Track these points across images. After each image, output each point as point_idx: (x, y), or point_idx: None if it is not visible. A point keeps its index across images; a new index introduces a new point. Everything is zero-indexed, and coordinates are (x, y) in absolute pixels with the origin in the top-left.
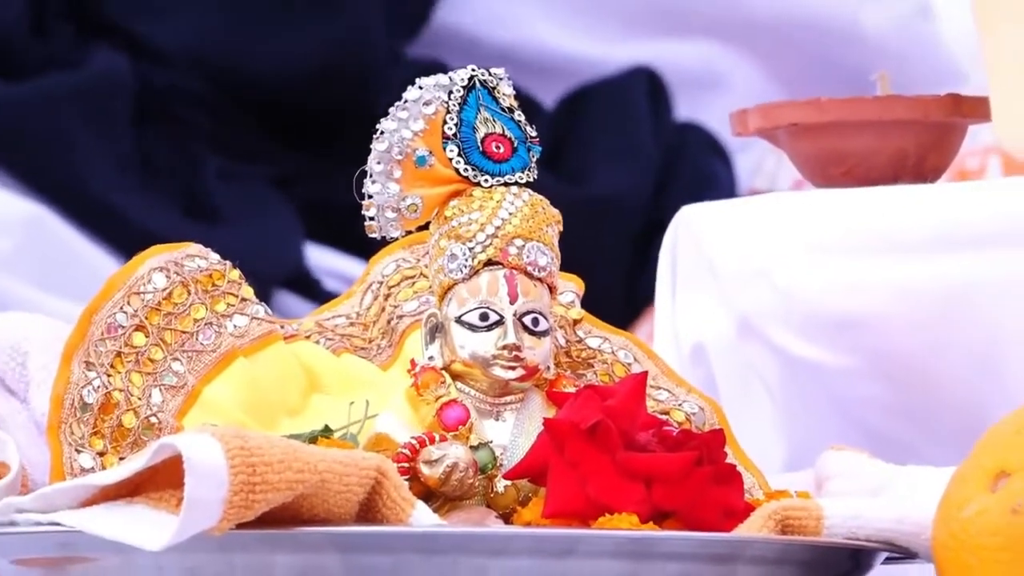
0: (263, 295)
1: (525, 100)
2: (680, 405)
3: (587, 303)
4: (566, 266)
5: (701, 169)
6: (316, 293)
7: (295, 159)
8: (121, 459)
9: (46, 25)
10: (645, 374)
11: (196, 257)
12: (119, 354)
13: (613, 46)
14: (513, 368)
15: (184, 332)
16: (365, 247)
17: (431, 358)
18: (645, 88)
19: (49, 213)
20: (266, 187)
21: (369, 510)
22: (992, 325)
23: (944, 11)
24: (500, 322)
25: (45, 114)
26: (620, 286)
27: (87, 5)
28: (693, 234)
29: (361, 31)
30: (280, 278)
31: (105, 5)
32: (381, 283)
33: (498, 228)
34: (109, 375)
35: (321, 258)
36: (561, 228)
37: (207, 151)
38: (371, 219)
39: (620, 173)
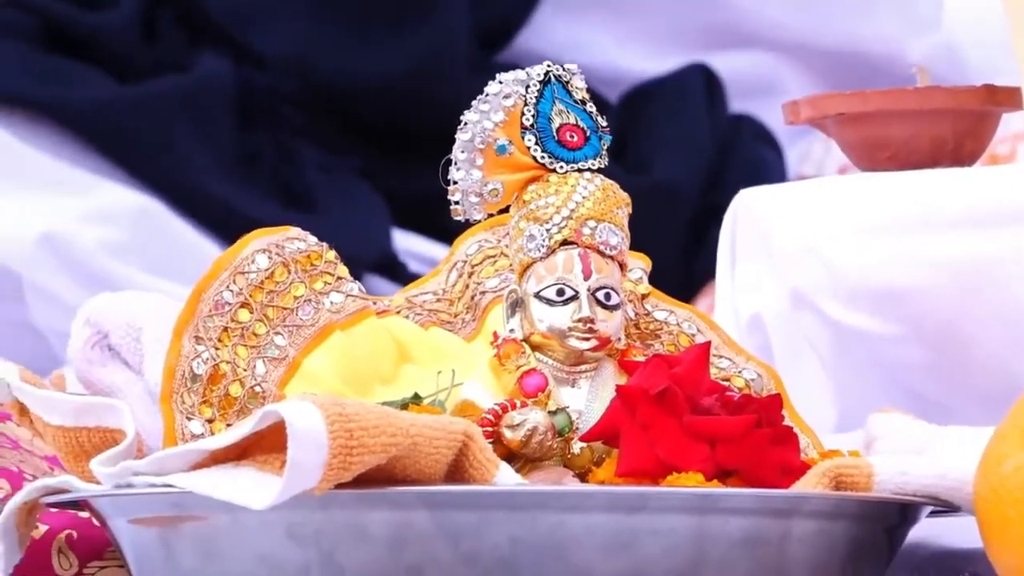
0: (354, 277)
1: (594, 97)
2: (740, 372)
3: (652, 279)
4: (633, 246)
5: (754, 157)
6: (402, 275)
7: (383, 153)
8: (228, 426)
9: (157, 31)
10: (708, 344)
11: (296, 239)
12: (226, 329)
13: (677, 62)
14: (587, 339)
15: (285, 308)
16: (445, 232)
17: (512, 330)
18: (701, 83)
19: (159, 205)
20: (356, 178)
21: (456, 471)
22: (1022, 294)
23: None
24: (575, 297)
25: (154, 114)
26: (679, 265)
27: (196, 13)
28: (750, 215)
29: (446, 45)
30: (370, 261)
31: (213, 14)
32: (465, 262)
33: (572, 211)
34: (217, 348)
35: (406, 242)
36: (631, 210)
37: (302, 146)
38: (456, 203)
39: (678, 162)
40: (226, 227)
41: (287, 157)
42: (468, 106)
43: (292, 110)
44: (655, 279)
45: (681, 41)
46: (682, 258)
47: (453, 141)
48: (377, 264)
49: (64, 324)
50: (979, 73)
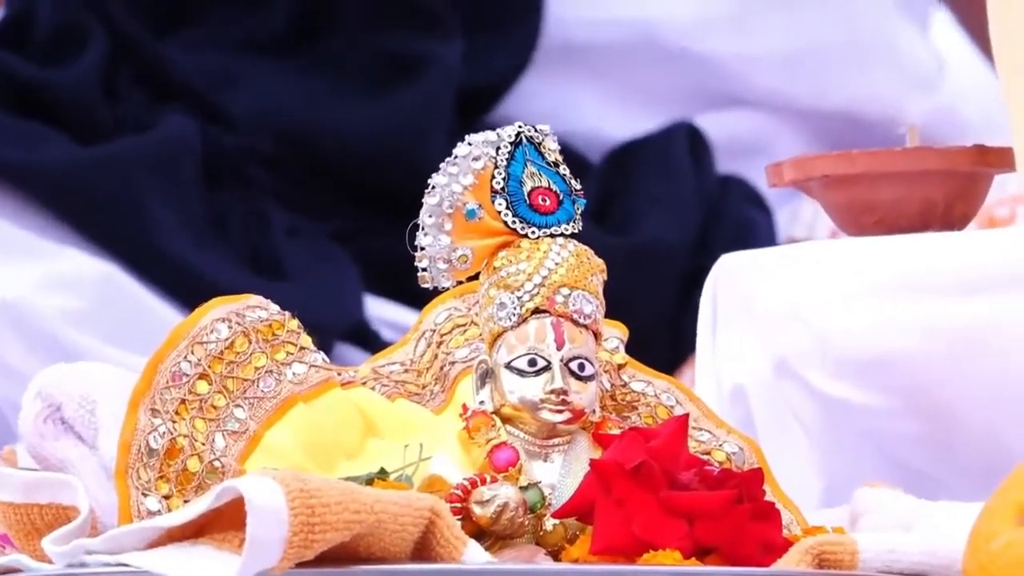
0: (325, 346)
1: (574, 158)
2: (721, 445)
3: (633, 345)
4: (614, 310)
5: (741, 218)
6: (374, 344)
7: (355, 216)
8: (186, 502)
9: (118, 89)
10: (687, 416)
11: (257, 308)
12: (183, 401)
13: (664, 123)
14: (560, 411)
15: (246, 380)
16: (420, 298)
17: (482, 403)
18: (686, 142)
19: (121, 272)
20: (327, 242)
21: (423, 548)
22: (1017, 363)
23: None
24: (548, 367)
25: (116, 175)
26: (665, 329)
27: (159, 72)
28: (732, 280)
29: (428, 111)
30: (341, 330)
31: (177, 72)
32: (434, 331)
33: (545, 278)
34: (174, 421)
35: (379, 309)
36: (605, 277)
37: (272, 208)
38: (423, 270)
39: (664, 222)
40: (191, 294)
41: (256, 220)
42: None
43: (262, 171)
44: (641, 342)
45: (669, 103)
46: (669, 321)
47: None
48: (349, 333)
49: (20, 395)
50: (979, 135)
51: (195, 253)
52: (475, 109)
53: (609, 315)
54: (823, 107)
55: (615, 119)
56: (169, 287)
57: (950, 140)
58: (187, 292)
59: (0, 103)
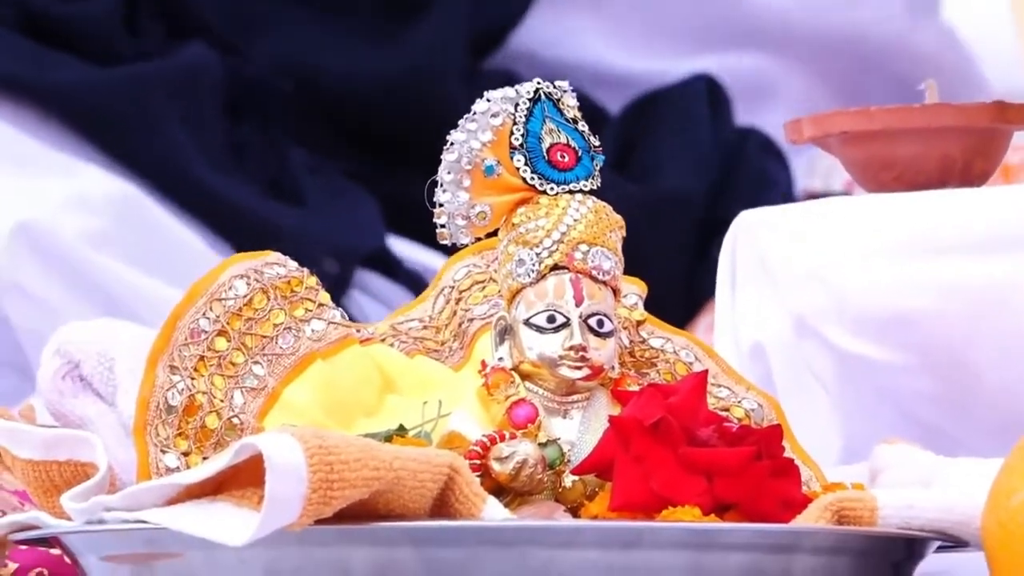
0: (346, 272)
1: (592, 109)
2: (739, 402)
3: (650, 295)
4: (631, 261)
5: (759, 170)
6: (396, 271)
7: (373, 158)
8: (204, 459)
9: (139, 24)
10: (706, 372)
11: (275, 264)
12: (202, 358)
13: (669, 61)
14: (579, 368)
15: (264, 336)
16: (436, 240)
17: (501, 359)
18: (705, 94)
19: (141, 192)
20: (345, 179)
21: (442, 505)
22: None
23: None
24: (566, 324)
25: (134, 95)
26: (681, 280)
27: (181, 9)
28: (751, 238)
29: (440, 50)
30: (363, 254)
31: (196, 10)
32: (452, 287)
33: (564, 234)
34: (193, 378)
35: (398, 247)
36: (624, 233)
37: (291, 146)
38: (442, 226)
39: (682, 173)
40: (212, 215)
41: (275, 152)
42: (461, 113)
43: (281, 110)
44: (658, 294)
45: (672, 34)
46: (685, 273)
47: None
48: (371, 257)
49: (39, 321)
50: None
51: (215, 177)
52: (484, 48)
53: (628, 263)
54: (825, 31)
55: (620, 54)
56: (189, 207)
57: (958, 66)
58: (208, 213)
59: (20, 32)
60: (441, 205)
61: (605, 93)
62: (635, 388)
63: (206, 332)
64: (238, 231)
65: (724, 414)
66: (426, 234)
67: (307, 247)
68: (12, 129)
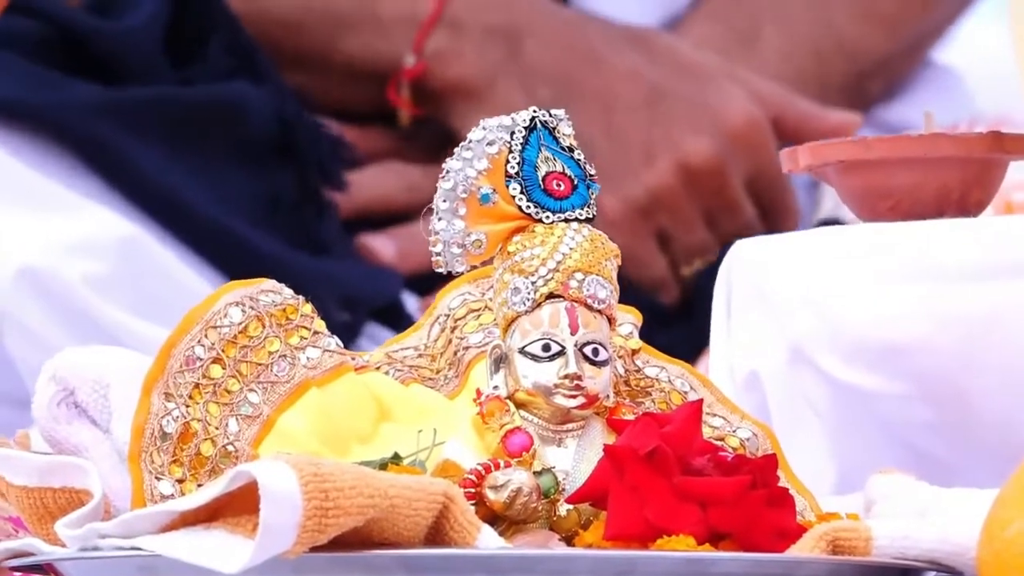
0: (357, 322)
1: None
2: (734, 431)
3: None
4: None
5: None
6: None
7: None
8: (199, 486)
9: (185, 53)
10: (701, 402)
11: (271, 292)
12: (197, 385)
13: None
14: (574, 396)
15: (259, 364)
16: None
17: (496, 387)
18: None
19: (147, 234)
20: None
21: (437, 533)
22: None
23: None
24: (562, 352)
25: (150, 124)
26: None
27: (238, 45)
28: (746, 266)
29: None
30: (375, 306)
31: (251, 49)
32: (448, 316)
33: (559, 263)
34: (188, 406)
35: (413, 305)
36: (620, 262)
37: (325, 197)
38: (438, 254)
39: None
40: (224, 259)
41: (311, 206)
42: None
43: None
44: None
45: None
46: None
47: None
48: (383, 310)
49: (40, 361)
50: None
51: (231, 219)
52: None
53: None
54: None
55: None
56: (200, 251)
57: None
58: (218, 257)
59: (49, 57)
60: (437, 233)
61: None
62: (630, 417)
63: (201, 359)
64: (249, 275)
65: (719, 443)
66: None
67: (320, 294)
68: (21, 164)
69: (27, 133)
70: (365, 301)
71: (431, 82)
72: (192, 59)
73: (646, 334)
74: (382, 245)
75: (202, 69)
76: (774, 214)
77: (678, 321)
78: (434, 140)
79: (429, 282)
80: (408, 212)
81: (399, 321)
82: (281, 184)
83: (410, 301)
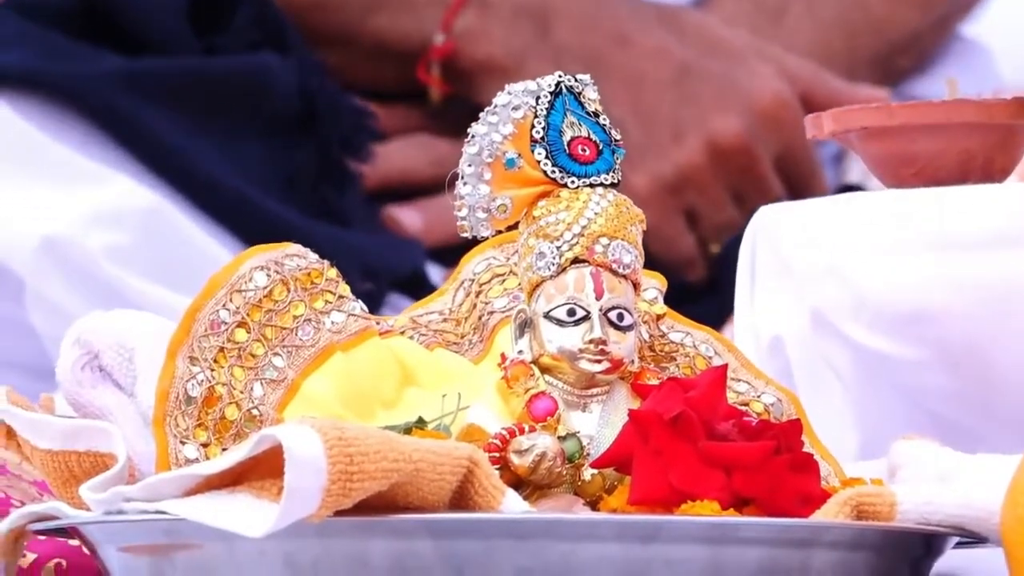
0: (379, 292)
1: None
2: (759, 396)
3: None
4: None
5: None
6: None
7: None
8: (224, 450)
9: (212, 24)
10: (725, 367)
11: (295, 256)
12: (222, 349)
13: None
14: (599, 361)
15: (284, 328)
16: None
17: (520, 352)
18: None
19: (170, 204)
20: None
21: (461, 498)
22: None
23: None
24: (587, 317)
25: (175, 95)
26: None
27: (267, 18)
28: (770, 233)
29: None
30: (398, 277)
31: (280, 21)
32: (472, 280)
33: (584, 227)
34: (212, 370)
35: (438, 276)
36: (645, 227)
37: (348, 166)
38: (463, 219)
39: None
40: (247, 229)
41: (334, 177)
42: None
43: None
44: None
45: None
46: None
47: None
48: (407, 280)
49: (63, 332)
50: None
51: (254, 190)
52: None
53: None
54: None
55: None
56: (222, 221)
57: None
58: (241, 228)
59: (74, 28)
60: (462, 198)
61: None
62: (655, 382)
63: (226, 323)
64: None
65: (743, 409)
66: None
67: (342, 264)
68: (43, 134)
69: (49, 104)
70: (387, 272)
71: (460, 61)
72: (217, 29)
73: (673, 308)
74: (408, 217)
75: (227, 39)
76: (802, 191)
77: (704, 296)
78: (463, 116)
79: (454, 254)
80: (434, 185)
81: (422, 291)
82: (303, 156)
83: (434, 272)
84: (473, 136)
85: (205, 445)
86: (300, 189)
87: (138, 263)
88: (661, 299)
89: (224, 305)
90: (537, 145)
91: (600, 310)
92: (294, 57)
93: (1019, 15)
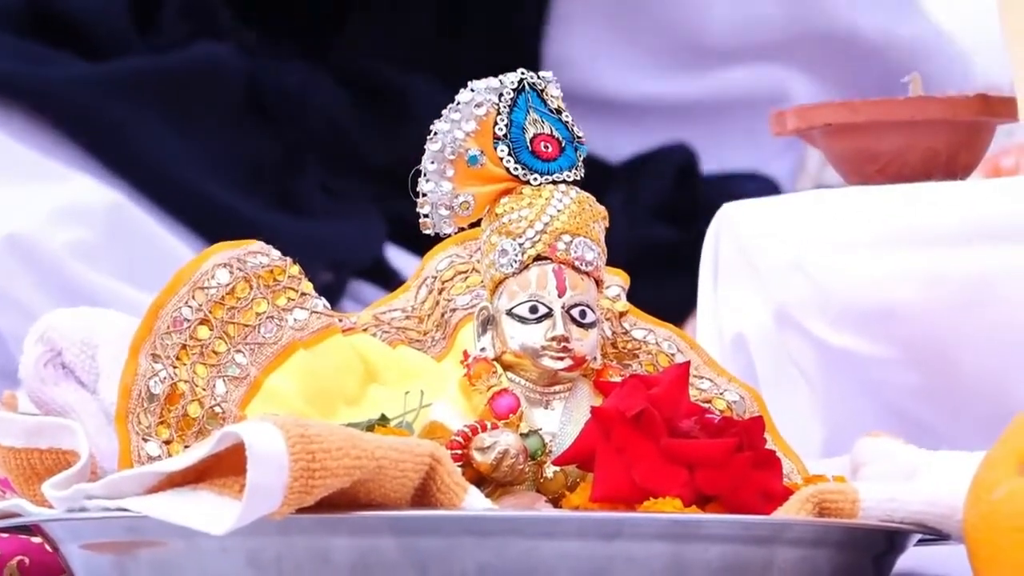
0: (340, 283)
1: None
2: (722, 394)
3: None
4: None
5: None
6: (393, 284)
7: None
8: (186, 447)
9: (155, 20)
10: (688, 364)
11: (258, 253)
12: (184, 347)
13: (671, 80)
14: (561, 358)
15: (247, 325)
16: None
17: (483, 349)
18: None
19: (131, 202)
20: (358, 193)
21: (424, 495)
22: (1018, 314)
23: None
24: (549, 314)
25: (131, 96)
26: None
27: (206, 8)
28: (734, 229)
29: None
30: (358, 267)
31: (219, 10)
32: (435, 278)
33: (547, 224)
34: (175, 367)
35: (400, 260)
36: (607, 224)
37: (306, 155)
38: (425, 216)
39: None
40: (207, 224)
41: (291, 167)
42: None
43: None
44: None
45: (676, 53)
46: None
47: None
48: (368, 268)
49: (27, 329)
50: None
51: (213, 185)
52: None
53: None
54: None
55: (626, 73)
56: (183, 218)
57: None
58: (202, 223)
59: (23, 29)
60: (424, 195)
61: (610, 116)
62: (617, 379)
63: (188, 321)
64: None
65: (706, 406)
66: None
67: (303, 257)
68: (4, 135)
69: (9, 104)
70: (349, 262)
71: None
72: (151, 27)
73: None
74: None
75: (163, 37)
76: None
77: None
78: None
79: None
80: None
81: (384, 279)
82: (263, 146)
83: (398, 257)
84: (436, 133)
85: (168, 442)
86: (261, 180)
87: (102, 260)
88: (624, 296)
89: (187, 302)
90: (500, 142)
91: (562, 307)
92: (231, 40)
93: (988, 12)
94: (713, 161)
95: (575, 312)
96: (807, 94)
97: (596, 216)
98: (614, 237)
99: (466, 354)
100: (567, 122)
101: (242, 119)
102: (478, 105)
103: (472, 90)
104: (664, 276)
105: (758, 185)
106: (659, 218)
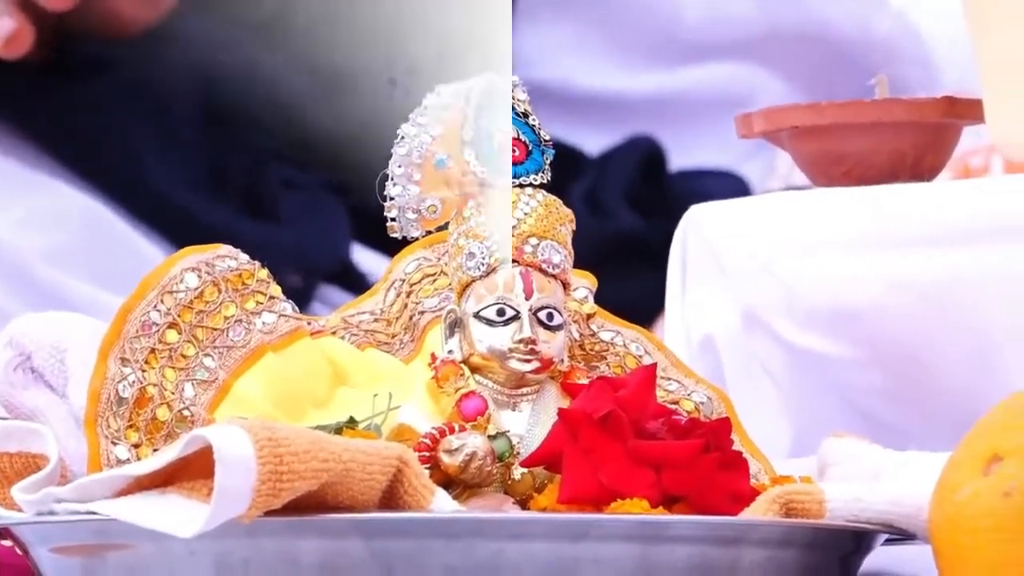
0: (310, 287)
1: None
2: (689, 395)
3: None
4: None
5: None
6: (361, 286)
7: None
8: (155, 451)
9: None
10: (655, 365)
11: (226, 257)
12: (153, 350)
13: (640, 76)
14: (529, 361)
15: (215, 329)
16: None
17: (450, 352)
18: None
19: (105, 208)
20: (321, 192)
21: (391, 497)
22: (984, 316)
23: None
24: (516, 317)
25: (102, 109)
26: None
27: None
28: (701, 231)
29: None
30: (327, 271)
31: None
32: (403, 281)
33: (514, 227)
34: (144, 371)
35: (368, 260)
36: (574, 227)
37: (269, 161)
38: (392, 220)
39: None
40: (177, 230)
41: (254, 169)
42: None
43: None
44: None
45: (643, 49)
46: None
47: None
48: (334, 274)
49: None
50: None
51: (182, 192)
52: None
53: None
54: (791, 31)
55: (592, 69)
56: (154, 224)
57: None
58: (172, 229)
59: None
60: (392, 199)
61: (579, 113)
62: (584, 381)
63: (157, 325)
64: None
65: (673, 407)
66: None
67: (273, 262)
68: None
69: None
70: (317, 266)
71: None
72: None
73: None
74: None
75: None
76: None
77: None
78: None
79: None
80: None
81: (352, 282)
82: (228, 153)
83: (367, 257)
84: (403, 137)
85: (136, 446)
86: (228, 185)
87: (74, 265)
88: (591, 298)
89: (155, 306)
90: (467, 146)
91: (530, 310)
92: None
93: (955, 12)
94: (685, 159)
95: (542, 314)
96: (779, 91)
97: (563, 219)
98: (580, 228)
99: (434, 356)
100: (534, 126)
101: (204, 124)
102: (445, 109)
103: (439, 94)
104: (631, 270)
105: (727, 183)
106: (626, 208)
